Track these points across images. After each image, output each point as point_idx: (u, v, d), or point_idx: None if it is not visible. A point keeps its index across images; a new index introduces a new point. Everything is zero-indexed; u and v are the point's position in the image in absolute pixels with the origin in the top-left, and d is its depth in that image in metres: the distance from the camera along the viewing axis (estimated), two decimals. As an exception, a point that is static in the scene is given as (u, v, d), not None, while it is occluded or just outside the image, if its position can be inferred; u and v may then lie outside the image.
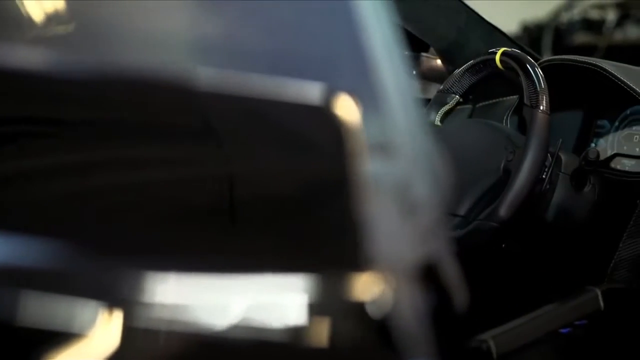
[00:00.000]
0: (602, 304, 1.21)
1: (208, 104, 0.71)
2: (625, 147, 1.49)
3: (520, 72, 1.37)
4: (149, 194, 0.70)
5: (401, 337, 0.67)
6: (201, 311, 0.64)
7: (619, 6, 3.93)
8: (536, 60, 1.45)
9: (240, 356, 0.67)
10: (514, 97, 1.58)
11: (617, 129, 1.52)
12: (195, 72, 0.70)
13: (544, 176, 1.34)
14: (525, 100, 1.35)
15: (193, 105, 0.71)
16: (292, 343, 0.66)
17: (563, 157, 1.37)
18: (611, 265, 1.35)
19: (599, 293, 1.22)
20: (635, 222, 1.36)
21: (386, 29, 0.71)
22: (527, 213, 1.34)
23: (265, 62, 0.71)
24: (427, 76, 1.74)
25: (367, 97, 0.69)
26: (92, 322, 0.62)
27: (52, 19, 0.71)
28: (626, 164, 1.47)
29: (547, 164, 1.34)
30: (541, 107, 1.33)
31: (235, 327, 0.65)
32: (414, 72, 1.72)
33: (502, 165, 1.36)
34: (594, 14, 3.95)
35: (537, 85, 1.34)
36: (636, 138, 1.49)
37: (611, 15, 3.90)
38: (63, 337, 0.61)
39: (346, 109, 0.69)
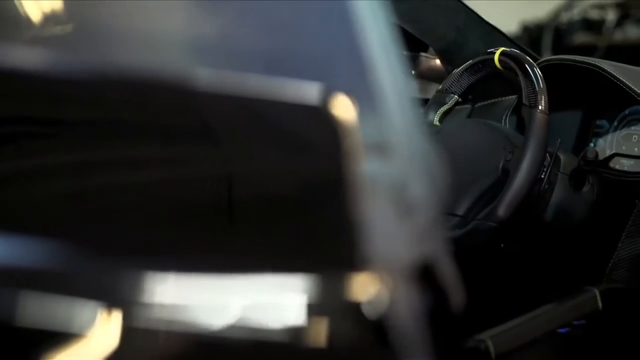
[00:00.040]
0: (600, 304, 1.21)
1: (206, 104, 0.71)
2: (624, 147, 1.49)
3: (519, 72, 1.38)
4: (147, 194, 0.70)
5: (398, 337, 0.67)
6: (199, 311, 0.64)
7: (618, 6, 3.93)
8: (535, 60, 1.45)
9: (237, 356, 0.67)
10: (513, 97, 1.58)
11: (615, 129, 1.52)
12: (194, 72, 0.70)
13: (542, 176, 1.34)
14: (524, 100, 1.35)
15: (191, 106, 0.71)
16: (289, 343, 0.66)
17: (562, 157, 1.37)
18: (610, 265, 1.35)
19: (597, 293, 1.22)
20: (634, 222, 1.36)
21: (383, 28, 0.71)
22: (526, 213, 1.34)
23: (262, 62, 0.71)
24: (426, 76, 1.74)
25: (364, 97, 0.69)
26: (91, 322, 0.62)
27: (51, 19, 0.71)
28: (625, 164, 1.47)
29: (545, 163, 1.34)
30: (540, 107, 1.33)
31: (232, 327, 0.65)
32: (413, 72, 1.72)
33: (501, 165, 1.37)
34: (594, 14, 3.95)
35: (536, 85, 1.35)
36: (635, 138, 1.49)
37: (611, 15, 3.89)
38: (62, 338, 0.61)
39: (343, 108, 0.69)
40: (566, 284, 1.37)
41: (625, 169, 1.46)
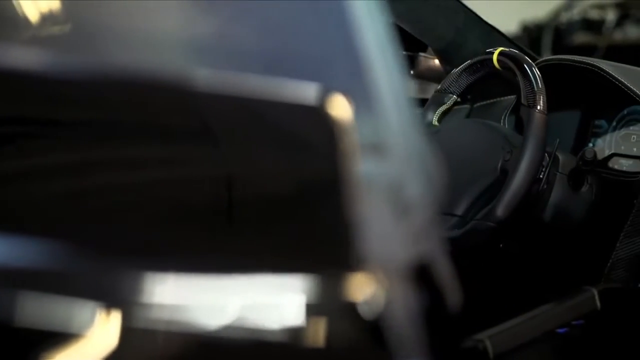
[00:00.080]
0: (598, 303, 1.21)
1: (205, 104, 0.71)
2: (622, 147, 1.49)
3: (518, 72, 1.37)
4: (146, 194, 0.70)
5: (394, 337, 0.67)
6: (197, 311, 0.64)
7: (618, 6, 3.92)
8: (534, 60, 1.45)
9: (235, 356, 0.67)
10: (512, 97, 1.58)
11: (614, 129, 1.52)
12: (192, 72, 0.70)
13: (541, 176, 1.34)
14: (523, 100, 1.35)
15: (190, 106, 0.71)
16: (286, 343, 0.66)
17: (560, 157, 1.37)
18: (608, 265, 1.35)
19: (596, 293, 1.22)
20: (632, 222, 1.36)
21: (380, 28, 0.71)
22: (525, 213, 1.34)
23: (259, 62, 0.71)
24: (425, 76, 1.74)
25: (361, 97, 0.69)
26: (90, 322, 0.62)
27: (49, 19, 0.71)
28: (624, 164, 1.47)
29: (544, 163, 1.34)
30: (538, 107, 1.33)
31: (229, 328, 0.65)
32: (412, 72, 1.72)
33: (500, 165, 1.37)
34: (594, 14, 3.95)
35: (535, 85, 1.35)
36: (634, 138, 1.49)
37: (611, 15, 3.89)
38: (61, 338, 0.61)
39: (340, 109, 0.69)
40: (565, 284, 1.37)
41: (624, 169, 1.46)
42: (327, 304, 0.67)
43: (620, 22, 3.88)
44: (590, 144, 1.54)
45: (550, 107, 1.35)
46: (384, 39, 0.71)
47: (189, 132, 0.72)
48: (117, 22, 0.72)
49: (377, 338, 0.67)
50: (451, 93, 1.54)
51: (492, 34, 1.62)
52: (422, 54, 1.72)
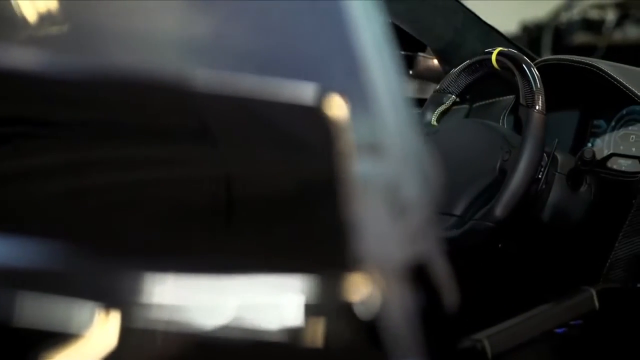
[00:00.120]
0: (597, 303, 1.21)
1: (203, 104, 0.71)
2: (621, 147, 1.49)
3: (516, 72, 1.38)
4: (144, 194, 0.70)
5: (390, 337, 0.67)
6: (194, 311, 0.64)
7: (618, 6, 3.92)
8: (532, 60, 1.45)
9: (232, 356, 0.67)
10: (511, 97, 1.58)
11: (613, 129, 1.52)
12: (190, 72, 0.70)
13: (540, 176, 1.34)
14: (521, 100, 1.35)
15: (188, 106, 0.71)
16: (282, 343, 0.66)
17: (559, 157, 1.37)
18: (607, 265, 1.35)
19: (594, 293, 1.22)
20: (631, 222, 1.36)
21: (377, 28, 0.71)
22: (523, 213, 1.34)
23: (255, 62, 0.71)
24: (424, 76, 1.74)
25: (358, 97, 0.69)
26: (89, 322, 0.62)
27: (47, 19, 0.71)
28: (622, 164, 1.47)
29: (543, 163, 1.34)
30: (537, 107, 1.33)
31: (227, 328, 0.65)
32: (411, 72, 1.72)
33: (498, 165, 1.37)
34: (594, 14, 3.95)
35: (533, 85, 1.35)
36: (632, 138, 1.49)
37: (611, 15, 3.89)
38: (60, 338, 0.61)
39: (336, 108, 0.69)
40: (563, 283, 1.37)
41: (623, 169, 1.46)
42: (324, 304, 0.67)
43: (620, 22, 3.87)
44: (589, 144, 1.54)
45: (549, 107, 1.35)
46: (381, 38, 0.71)
47: (187, 132, 0.72)
48: (115, 23, 0.72)
49: (373, 338, 0.67)
50: (450, 93, 1.54)
51: (491, 34, 1.62)
52: (421, 53, 1.72)
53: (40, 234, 0.64)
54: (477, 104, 1.64)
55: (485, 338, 1.04)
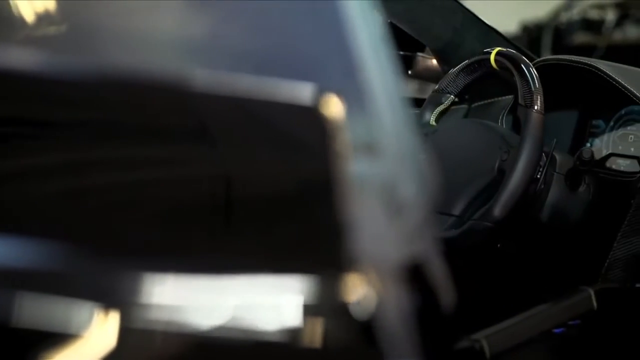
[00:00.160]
0: (595, 303, 1.21)
1: (201, 104, 0.71)
2: (620, 147, 1.50)
3: (515, 72, 1.38)
4: (143, 194, 0.70)
5: (386, 337, 0.67)
6: (193, 311, 0.64)
7: (618, 6, 3.93)
8: (531, 60, 1.45)
9: (229, 356, 0.67)
10: (510, 97, 1.58)
11: (612, 129, 1.52)
12: (189, 72, 0.70)
13: (538, 176, 1.35)
14: (520, 100, 1.36)
15: (187, 106, 0.71)
16: (278, 343, 0.66)
17: (558, 156, 1.37)
18: (605, 265, 1.35)
19: (592, 293, 1.22)
20: (629, 222, 1.36)
21: (373, 28, 0.71)
22: (522, 213, 1.34)
23: (252, 62, 0.71)
24: (423, 76, 1.74)
25: (354, 97, 0.69)
26: (88, 322, 0.62)
27: (46, 19, 0.71)
28: (621, 164, 1.47)
29: (541, 163, 1.34)
30: (535, 107, 1.33)
31: (225, 328, 0.65)
32: (410, 72, 1.72)
33: (497, 165, 1.37)
34: (594, 14, 3.95)
35: (532, 85, 1.35)
36: (631, 138, 1.49)
37: (610, 15, 3.90)
38: (59, 338, 0.61)
39: (333, 108, 0.69)
40: (562, 283, 1.37)
41: (622, 169, 1.47)
42: (321, 304, 0.67)
43: (620, 22, 3.88)
44: (588, 144, 1.54)
45: (548, 107, 1.35)
46: (377, 38, 0.71)
47: (186, 132, 0.72)
48: (114, 23, 0.72)
49: (370, 338, 0.67)
50: (449, 93, 1.54)
51: (490, 34, 1.62)
52: (419, 54, 1.72)
53: (40, 234, 0.65)
54: (476, 104, 1.64)
55: (484, 338, 1.04)
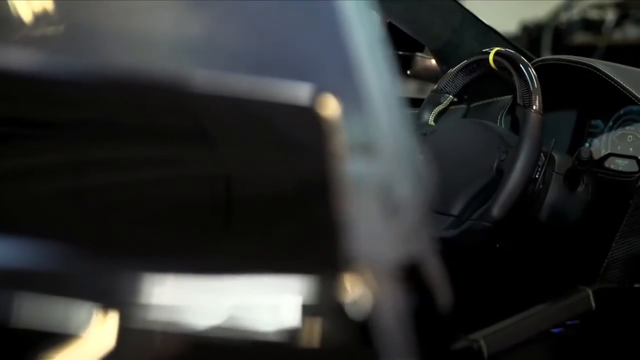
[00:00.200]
0: (593, 303, 1.21)
1: (200, 104, 0.71)
2: (619, 147, 1.50)
3: (513, 72, 1.38)
4: (143, 195, 0.70)
5: (382, 337, 0.67)
6: (190, 312, 0.65)
7: (618, 6, 3.93)
8: (530, 60, 1.45)
9: (227, 356, 0.67)
10: (509, 97, 1.58)
11: (610, 129, 1.52)
12: (188, 73, 0.70)
13: (537, 176, 1.34)
14: (518, 100, 1.36)
15: (186, 106, 0.71)
16: (274, 343, 0.66)
17: (556, 156, 1.37)
18: (604, 265, 1.35)
19: (591, 293, 1.22)
20: (628, 222, 1.36)
21: (370, 28, 0.71)
22: (520, 213, 1.34)
23: (249, 62, 0.71)
24: (422, 76, 1.74)
25: (351, 97, 0.69)
26: (87, 323, 0.62)
27: (44, 20, 0.71)
28: (620, 164, 1.48)
29: (540, 163, 1.34)
30: (534, 107, 1.33)
31: (221, 328, 0.65)
32: (409, 72, 1.72)
33: (496, 165, 1.37)
34: (593, 14, 3.95)
35: (530, 85, 1.35)
36: (630, 138, 1.49)
37: (610, 15, 3.90)
38: (59, 338, 0.61)
39: (329, 109, 0.69)
40: (560, 283, 1.37)
41: (620, 169, 1.47)
42: (317, 304, 0.67)
43: (619, 22, 3.88)
44: (587, 144, 1.55)
45: (547, 106, 1.35)
46: (374, 38, 0.71)
47: (185, 132, 0.72)
48: (113, 23, 0.72)
49: (365, 338, 0.67)
50: (447, 93, 1.54)
51: (489, 34, 1.62)
52: (418, 54, 1.72)
53: (40, 234, 0.65)
54: (475, 104, 1.64)
55: (482, 338, 1.04)
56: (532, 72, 1.36)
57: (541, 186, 1.36)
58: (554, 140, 1.38)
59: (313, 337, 0.66)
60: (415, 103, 1.60)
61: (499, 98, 1.63)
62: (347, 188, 0.67)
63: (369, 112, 0.69)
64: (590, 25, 3.90)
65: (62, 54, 0.70)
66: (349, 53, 0.70)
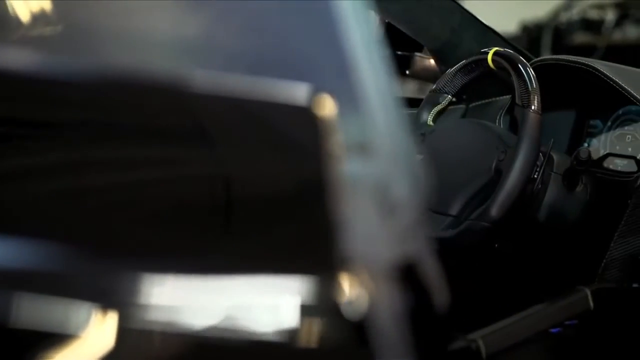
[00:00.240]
0: (591, 303, 1.21)
1: (199, 104, 0.71)
2: (617, 147, 1.50)
3: (512, 72, 1.38)
4: (142, 195, 0.70)
5: (379, 337, 0.67)
6: (189, 312, 0.65)
7: (618, 6, 3.93)
8: (529, 60, 1.46)
9: (225, 356, 0.67)
10: (507, 97, 1.58)
11: (609, 129, 1.52)
12: (187, 73, 0.70)
13: (535, 176, 1.34)
14: (517, 100, 1.36)
15: (185, 106, 0.72)
16: (271, 343, 0.66)
17: (555, 156, 1.37)
18: (602, 265, 1.35)
19: (589, 293, 1.22)
20: (626, 222, 1.36)
21: (367, 28, 0.71)
22: (519, 213, 1.34)
23: (246, 62, 0.71)
24: (421, 76, 1.74)
25: (347, 97, 0.69)
26: (87, 323, 0.62)
27: (43, 20, 0.72)
28: (618, 164, 1.48)
29: (538, 163, 1.34)
30: (532, 107, 1.33)
31: (220, 328, 0.65)
32: (407, 72, 1.72)
33: (494, 165, 1.37)
34: (593, 14, 3.95)
35: (529, 85, 1.35)
36: (628, 138, 1.49)
37: (610, 15, 3.90)
38: (58, 339, 0.62)
39: (326, 109, 0.69)
40: (558, 283, 1.37)
41: (619, 169, 1.47)
42: (314, 304, 0.67)
43: (619, 22, 3.88)
44: (585, 144, 1.55)
45: (545, 107, 1.35)
46: (371, 38, 0.71)
47: (184, 132, 0.72)
48: (111, 23, 0.72)
49: (362, 338, 0.67)
50: (446, 93, 1.54)
51: (488, 34, 1.62)
52: (417, 54, 1.72)
53: (39, 234, 0.65)
54: (474, 104, 1.64)
55: (480, 338, 1.04)
56: (531, 72, 1.36)
57: (540, 186, 1.36)
58: (552, 140, 1.38)
59: (310, 337, 0.67)
60: (413, 103, 1.60)
61: (497, 98, 1.63)
62: (344, 188, 0.67)
63: (365, 112, 0.70)
64: (590, 25, 3.90)
65: (61, 54, 0.70)
66: (346, 53, 0.70)
